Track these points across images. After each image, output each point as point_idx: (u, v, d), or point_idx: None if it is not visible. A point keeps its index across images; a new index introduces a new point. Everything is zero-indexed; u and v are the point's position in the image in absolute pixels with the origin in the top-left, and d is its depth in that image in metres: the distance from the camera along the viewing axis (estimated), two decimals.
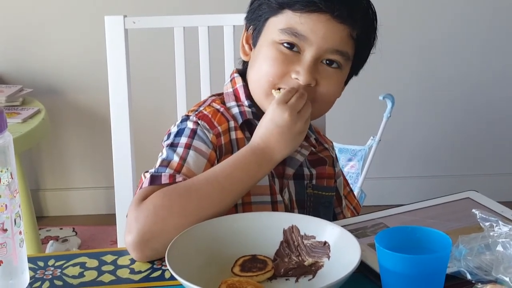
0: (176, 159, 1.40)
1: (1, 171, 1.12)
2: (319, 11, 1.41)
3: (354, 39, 1.45)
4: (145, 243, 1.27)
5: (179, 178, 1.35)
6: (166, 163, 1.40)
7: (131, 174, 1.91)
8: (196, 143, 1.43)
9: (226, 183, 1.33)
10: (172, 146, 1.43)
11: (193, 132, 1.44)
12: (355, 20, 1.44)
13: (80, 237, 3.50)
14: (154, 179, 1.35)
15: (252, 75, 1.49)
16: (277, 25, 1.44)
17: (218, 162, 1.42)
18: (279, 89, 1.43)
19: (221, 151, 1.44)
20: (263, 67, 1.44)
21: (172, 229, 1.26)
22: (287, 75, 1.42)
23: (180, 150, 1.41)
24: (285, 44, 1.43)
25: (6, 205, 1.14)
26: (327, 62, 1.44)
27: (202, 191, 1.31)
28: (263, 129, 1.39)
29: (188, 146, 1.42)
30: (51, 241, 3.39)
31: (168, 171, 1.37)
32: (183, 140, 1.43)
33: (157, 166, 1.40)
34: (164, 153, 1.43)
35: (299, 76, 1.41)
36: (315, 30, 1.41)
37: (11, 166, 1.14)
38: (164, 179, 1.35)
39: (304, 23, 1.41)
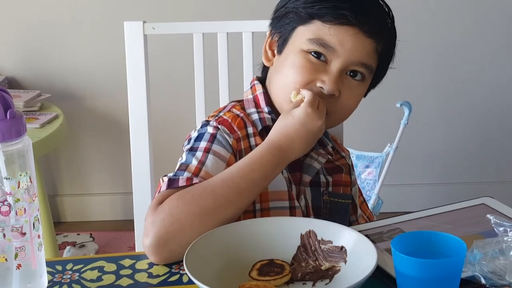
0: (194, 162, 1.41)
1: (20, 175, 1.14)
2: (348, 24, 1.42)
3: (378, 53, 1.46)
4: (163, 246, 1.28)
5: (196, 180, 1.36)
6: (184, 167, 1.41)
7: (150, 179, 1.92)
8: (215, 147, 1.44)
9: (242, 183, 1.33)
10: (192, 150, 1.44)
11: (213, 137, 1.45)
12: (381, 35, 1.45)
13: (98, 242, 3.52)
14: (172, 183, 1.36)
15: (277, 81, 1.49)
16: (306, 35, 1.45)
17: None
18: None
19: (241, 156, 1.45)
20: (290, 74, 1.45)
21: (189, 230, 1.27)
22: (312, 84, 1.43)
23: (199, 154, 1.42)
24: (313, 53, 1.44)
25: (25, 209, 1.14)
26: (351, 73, 1.45)
27: (218, 191, 1.32)
28: (289, 130, 1.39)
29: (207, 150, 1.43)
30: (68, 247, 3.40)
31: (186, 174, 1.38)
32: (203, 144, 1.44)
33: (175, 170, 1.41)
34: (183, 158, 1.44)
35: (324, 85, 1.42)
36: (344, 43, 1.42)
37: (30, 170, 1.15)
38: (181, 182, 1.35)
39: (333, 34, 1.42)
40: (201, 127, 1.50)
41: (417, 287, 1.06)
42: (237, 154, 1.46)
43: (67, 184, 3.73)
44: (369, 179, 3.15)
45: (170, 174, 1.40)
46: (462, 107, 3.63)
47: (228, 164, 1.42)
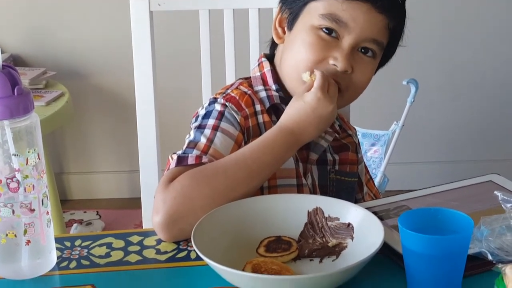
0: (203, 140, 1.41)
1: (29, 152, 1.14)
2: (361, 0, 1.41)
3: (389, 30, 1.46)
4: (173, 224, 1.28)
5: (205, 159, 1.36)
6: (193, 144, 1.41)
7: (156, 157, 1.91)
8: (224, 124, 1.43)
9: (254, 166, 1.34)
10: (200, 128, 1.44)
11: (221, 114, 1.45)
12: (393, 12, 1.45)
13: (104, 220, 3.53)
14: (181, 160, 1.36)
15: (288, 60, 1.48)
16: (318, 10, 1.44)
17: (245, 144, 1.43)
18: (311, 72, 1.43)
19: (248, 134, 1.45)
20: (301, 53, 1.44)
21: (199, 209, 1.27)
22: (325, 61, 1.43)
23: (207, 131, 1.42)
24: (324, 30, 1.43)
25: (33, 186, 1.15)
26: (363, 50, 1.45)
27: (230, 173, 1.32)
28: (301, 115, 1.39)
29: (215, 128, 1.43)
30: (75, 224, 3.42)
31: (195, 152, 1.38)
32: (211, 122, 1.44)
33: (184, 147, 1.41)
34: (191, 135, 1.44)
35: (337, 62, 1.42)
36: (356, 18, 1.42)
37: (38, 147, 1.16)
38: (191, 160, 1.35)
39: (346, 10, 1.41)
40: (209, 104, 1.49)
41: (424, 263, 1.07)
42: (245, 131, 1.46)
43: (73, 162, 3.73)
44: (375, 157, 3.14)
45: (179, 152, 1.40)
46: (469, 84, 3.62)
47: (237, 142, 1.43)
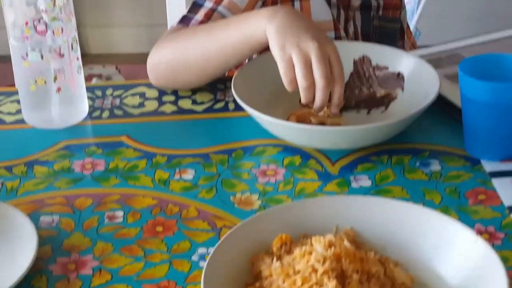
0: None
1: None
2: None
3: None
4: (152, 69, 1.27)
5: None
6: None
7: (186, 10, 1.84)
8: None
9: (216, 29, 1.22)
10: None
11: None
12: None
13: (124, 75, 3.48)
14: (184, 21, 1.31)
15: None
16: None
17: None
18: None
19: None
20: None
21: (164, 61, 1.25)
22: None
23: None
24: None
25: (62, 29, 1.10)
26: None
27: (197, 33, 1.24)
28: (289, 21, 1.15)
29: None
30: (94, 79, 3.38)
31: (200, 15, 1.30)
32: None
33: None
34: None
35: None
36: None
37: None
38: (193, 23, 1.30)
39: None
40: None
41: (485, 114, 1.00)
42: None
43: (90, 13, 3.62)
44: (406, 9, 3.03)
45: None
46: None
47: None
